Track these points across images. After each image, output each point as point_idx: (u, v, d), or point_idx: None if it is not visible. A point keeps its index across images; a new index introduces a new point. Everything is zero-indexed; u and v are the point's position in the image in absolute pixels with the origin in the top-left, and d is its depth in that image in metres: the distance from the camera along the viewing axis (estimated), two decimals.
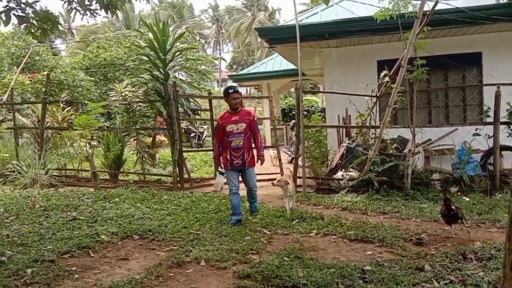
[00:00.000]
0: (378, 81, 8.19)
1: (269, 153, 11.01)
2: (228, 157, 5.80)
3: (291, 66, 14.96)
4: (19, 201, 6.99)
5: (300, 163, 7.89)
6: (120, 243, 4.94)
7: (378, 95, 8.06)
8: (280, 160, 9.32)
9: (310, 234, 5.08)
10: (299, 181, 7.78)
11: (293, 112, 21.36)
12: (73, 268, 4.15)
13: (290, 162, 11.68)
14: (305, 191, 7.53)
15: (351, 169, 7.51)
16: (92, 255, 4.58)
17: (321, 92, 17.63)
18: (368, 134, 7.98)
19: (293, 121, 13.43)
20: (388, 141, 7.55)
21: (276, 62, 17.85)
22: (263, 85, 18.26)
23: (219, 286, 3.70)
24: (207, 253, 4.42)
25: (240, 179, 6.04)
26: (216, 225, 5.55)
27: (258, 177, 9.41)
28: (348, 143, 7.88)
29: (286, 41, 8.93)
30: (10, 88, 10.46)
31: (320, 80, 16.65)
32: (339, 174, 7.75)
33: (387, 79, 7.60)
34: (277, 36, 9.24)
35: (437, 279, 3.54)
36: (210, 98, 9.73)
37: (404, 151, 7.36)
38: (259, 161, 5.99)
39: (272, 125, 10.06)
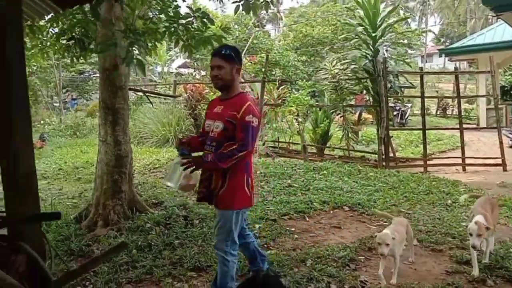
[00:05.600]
0: None
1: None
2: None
3: None
4: None
5: None
6: (331, 212, 5.28)
7: None
8: (501, 143, 8.25)
9: None
10: None
11: None
12: (292, 229, 4.66)
13: None
14: None
15: None
16: (307, 219, 5.03)
17: None
18: None
19: None
20: None
21: (497, 32, 15.53)
22: (479, 58, 16.20)
23: (435, 267, 3.63)
24: (419, 233, 4.36)
25: None
26: (427, 207, 5.39)
27: (471, 161, 8.58)
28: None
29: None
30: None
31: None
32: None
33: None
34: (508, 2, 8.01)
35: None
36: (421, 73, 9.20)
37: None
38: (195, 167, 2.86)
39: (495, 103, 8.90)
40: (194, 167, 2.83)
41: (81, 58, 6.01)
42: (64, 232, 4.37)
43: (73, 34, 5.61)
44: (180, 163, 2.85)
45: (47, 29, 6.08)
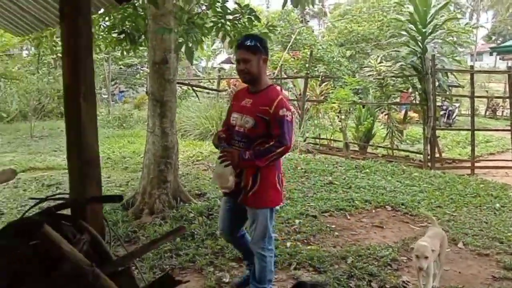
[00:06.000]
0: None
1: None
2: None
3: None
4: (284, 162, 8.10)
5: None
6: (373, 211, 5.21)
7: None
8: None
9: None
10: None
11: None
12: (333, 226, 4.64)
13: None
14: None
15: None
16: (349, 217, 4.99)
17: None
18: None
19: None
20: None
21: None
22: None
23: (481, 272, 3.53)
24: (465, 237, 4.24)
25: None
26: (474, 210, 5.21)
27: None
28: None
29: None
30: (279, 65, 12.08)
31: None
32: None
33: None
34: None
35: None
36: (472, 72, 8.86)
37: None
38: (231, 160, 2.70)
39: None
40: (229, 161, 2.68)
41: (131, 51, 6.25)
42: (112, 218, 4.57)
43: (124, 28, 5.84)
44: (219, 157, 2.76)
45: (99, 23, 6.36)
